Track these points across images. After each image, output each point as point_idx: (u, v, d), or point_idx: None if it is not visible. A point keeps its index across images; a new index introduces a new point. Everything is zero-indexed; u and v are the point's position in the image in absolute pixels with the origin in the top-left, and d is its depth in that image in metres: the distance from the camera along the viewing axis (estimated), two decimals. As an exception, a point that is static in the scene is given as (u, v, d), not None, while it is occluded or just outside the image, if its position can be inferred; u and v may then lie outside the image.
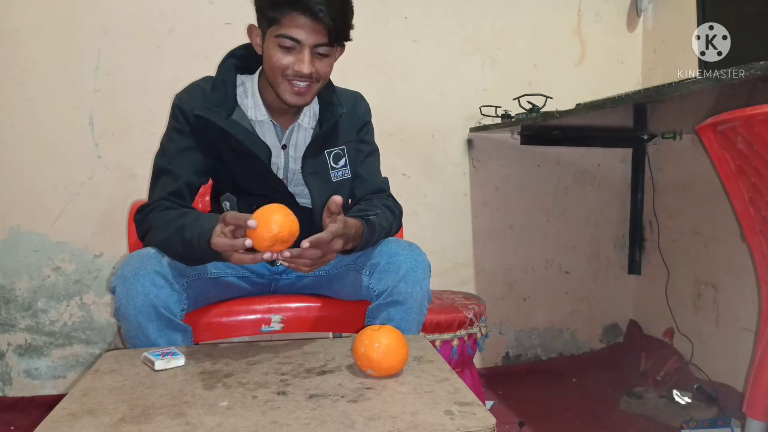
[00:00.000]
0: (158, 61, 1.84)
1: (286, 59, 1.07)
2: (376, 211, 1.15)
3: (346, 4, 1.09)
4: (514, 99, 1.94)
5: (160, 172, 1.15)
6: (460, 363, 1.65)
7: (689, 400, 1.75)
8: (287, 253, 0.93)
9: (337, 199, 0.98)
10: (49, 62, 1.78)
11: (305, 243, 0.93)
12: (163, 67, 1.83)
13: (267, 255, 0.90)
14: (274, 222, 0.89)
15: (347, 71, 1.93)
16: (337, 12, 1.05)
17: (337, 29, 1.06)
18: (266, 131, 1.20)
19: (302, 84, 1.10)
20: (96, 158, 1.84)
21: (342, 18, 1.07)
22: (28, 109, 1.78)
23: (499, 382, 2.10)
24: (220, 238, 0.93)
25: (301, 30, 1.04)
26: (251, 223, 0.88)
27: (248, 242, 0.89)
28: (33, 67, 1.77)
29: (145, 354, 0.91)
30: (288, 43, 1.06)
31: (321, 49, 1.08)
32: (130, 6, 1.82)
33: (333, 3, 1.04)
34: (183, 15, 1.85)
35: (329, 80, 1.23)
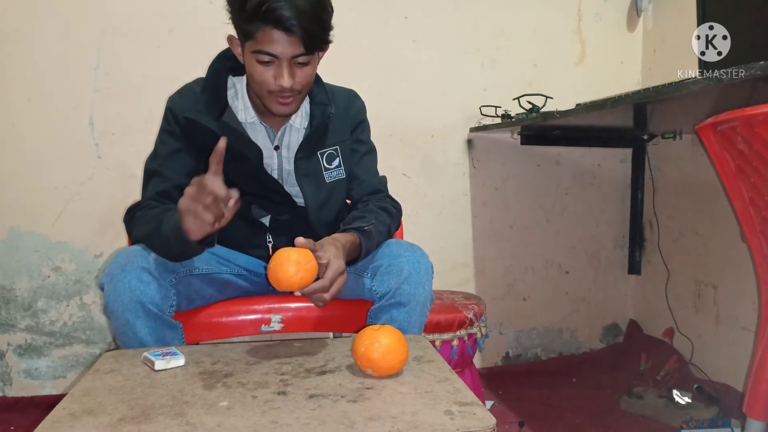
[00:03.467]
0: (158, 61, 1.84)
1: (266, 74, 1.06)
2: (371, 220, 1.14)
3: (320, 9, 1.04)
4: (514, 99, 1.94)
5: (150, 174, 1.16)
6: (460, 363, 1.65)
7: (689, 400, 1.75)
8: (298, 293, 0.93)
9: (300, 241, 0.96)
10: (49, 62, 1.78)
11: (297, 293, 0.92)
12: (163, 67, 1.83)
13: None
14: (290, 265, 0.90)
15: (347, 71, 1.93)
16: (311, 21, 1.01)
17: (312, 38, 1.03)
18: (258, 132, 1.19)
19: (286, 96, 1.09)
20: (96, 158, 1.84)
21: (317, 25, 1.03)
22: (28, 109, 1.78)
23: (499, 382, 2.10)
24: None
25: (277, 44, 1.02)
26: (234, 193, 0.91)
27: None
28: (33, 67, 1.77)
29: (145, 354, 0.91)
30: (265, 58, 1.04)
31: (300, 59, 1.06)
32: (130, 6, 1.82)
33: (305, 13, 1.00)
34: (183, 15, 1.85)
35: (319, 79, 1.22)
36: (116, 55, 1.82)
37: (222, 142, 0.92)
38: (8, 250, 1.82)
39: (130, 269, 1.01)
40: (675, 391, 1.78)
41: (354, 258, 1.08)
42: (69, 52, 1.79)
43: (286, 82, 1.05)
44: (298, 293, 0.93)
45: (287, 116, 1.17)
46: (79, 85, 1.81)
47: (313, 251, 0.95)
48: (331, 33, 1.09)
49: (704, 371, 1.95)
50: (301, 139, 1.21)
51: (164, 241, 1.02)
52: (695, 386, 1.82)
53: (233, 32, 1.11)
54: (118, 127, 1.84)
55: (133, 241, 1.11)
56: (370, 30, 2.00)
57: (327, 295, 0.95)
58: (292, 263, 0.90)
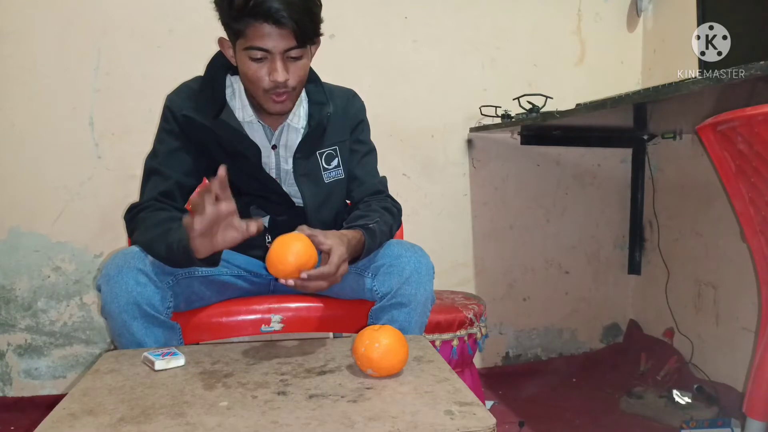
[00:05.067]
0: (158, 61, 1.84)
1: (260, 71, 1.05)
2: (375, 218, 1.14)
3: (309, 0, 1.03)
4: (514, 99, 1.94)
5: (150, 172, 1.15)
6: (460, 363, 1.65)
7: (689, 400, 1.75)
8: (291, 282, 0.91)
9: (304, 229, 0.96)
10: (49, 62, 1.78)
11: (304, 275, 0.92)
12: (163, 67, 1.83)
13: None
14: (291, 253, 0.90)
15: (347, 71, 1.93)
16: (301, 12, 1.00)
17: (303, 30, 1.02)
18: (255, 131, 1.19)
19: (281, 92, 1.08)
20: (96, 158, 1.84)
21: (307, 17, 1.02)
22: (28, 109, 1.78)
23: (499, 382, 2.10)
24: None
25: (268, 39, 1.01)
26: (251, 228, 0.90)
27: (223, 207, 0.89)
28: (33, 67, 1.77)
29: (145, 354, 0.91)
30: (258, 54, 1.03)
31: (292, 53, 1.04)
32: (130, 6, 1.82)
33: (293, 4, 0.99)
34: (183, 15, 1.85)
35: (318, 78, 1.22)
36: (116, 55, 1.82)
37: (222, 170, 0.89)
38: (8, 250, 1.82)
39: (127, 271, 1.01)
40: (675, 391, 1.78)
41: (356, 256, 1.08)
42: (69, 52, 1.79)
43: (280, 76, 1.04)
44: (304, 275, 0.91)
45: (283, 114, 1.16)
46: (79, 85, 1.81)
47: (314, 237, 0.95)
48: (321, 26, 1.08)
49: (704, 371, 1.95)
50: (299, 139, 1.20)
51: (168, 252, 1.01)
52: (695, 386, 1.82)
53: (224, 35, 1.11)
54: (118, 127, 1.84)
55: (133, 242, 1.11)
56: (370, 30, 2.00)
57: (325, 283, 0.95)
58: (292, 253, 0.90)
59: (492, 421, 0.70)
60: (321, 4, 1.07)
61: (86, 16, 1.79)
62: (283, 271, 0.91)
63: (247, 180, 1.20)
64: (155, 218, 1.07)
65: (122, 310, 1.00)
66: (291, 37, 1.02)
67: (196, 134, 1.15)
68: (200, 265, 1.00)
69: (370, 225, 1.10)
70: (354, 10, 1.97)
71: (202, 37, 1.84)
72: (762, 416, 1.15)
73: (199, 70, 1.20)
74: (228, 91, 1.18)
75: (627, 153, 2.29)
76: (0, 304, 1.83)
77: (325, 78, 1.25)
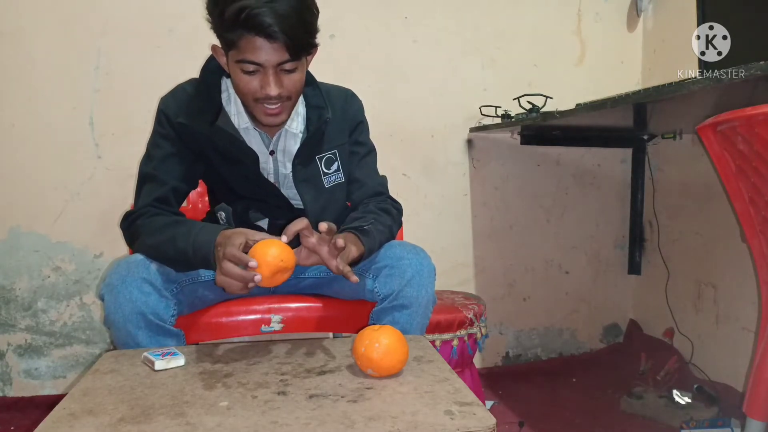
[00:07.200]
0: (158, 61, 1.84)
1: (252, 83, 1.02)
2: (370, 219, 1.13)
3: (304, 12, 0.99)
4: (514, 99, 1.94)
5: (145, 178, 1.14)
6: (460, 363, 1.65)
7: (689, 400, 1.75)
8: (325, 225, 0.96)
9: (323, 226, 0.97)
10: (49, 62, 1.78)
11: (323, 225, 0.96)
12: (163, 67, 1.83)
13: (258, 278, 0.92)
14: (271, 257, 0.90)
15: (348, 71, 1.93)
16: (294, 25, 0.96)
17: (296, 44, 0.99)
18: (252, 137, 1.17)
19: (274, 106, 1.06)
20: (96, 158, 1.84)
21: (301, 29, 0.99)
22: (28, 109, 1.78)
23: (499, 382, 2.10)
24: (233, 269, 0.93)
25: (260, 52, 0.98)
26: (252, 264, 0.88)
27: (257, 278, 0.89)
28: (33, 67, 1.77)
29: (145, 354, 0.91)
30: (250, 67, 1.00)
31: (286, 66, 1.01)
32: (130, 6, 1.82)
33: (287, 17, 0.95)
34: (183, 15, 1.85)
35: (314, 80, 1.20)
36: (116, 55, 1.82)
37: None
38: (8, 250, 1.82)
39: (131, 280, 1.00)
40: (675, 391, 1.78)
41: (357, 256, 1.07)
42: (69, 52, 1.79)
43: (272, 90, 1.02)
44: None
45: (277, 125, 1.14)
46: (79, 85, 1.81)
47: (309, 236, 0.99)
48: (317, 36, 1.05)
49: (704, 371, 1.95)
50: (297, 144, 1.19)
51: (180, 255, 1.01)
52: (695, 386, 1.82)
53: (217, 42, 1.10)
54: (118, 127, 1.84)
55: (135, 250, 1.10)
56: (371, 30, 2.00)
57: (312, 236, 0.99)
58: (270, 256, 0.90)
59: (492, 421, 0.70)
60: (317, 13, 1.04)
61: (86, 16, 1.79)
62: (270, 276, 0.90)
63: (245, 184, 1.19)
64: (156, 223, 1.07)
65: (127, 320, 0.99)
66: (284, 51, 0.99)
67: (191, 140, 1.13)
68: (213, 268, 1.00)
69: (365, 226, 1.09)
70: (354, 11, 1.97)
71: (202, 37, 1.83)
72: (762, 416, 1.15)
73: (199, 71, 1.20)
74: (223, 96, 1.16)
75: (627, 153, 2.29)
76: (0, 304, 1.83)
77: (325, 78, 1.25)
